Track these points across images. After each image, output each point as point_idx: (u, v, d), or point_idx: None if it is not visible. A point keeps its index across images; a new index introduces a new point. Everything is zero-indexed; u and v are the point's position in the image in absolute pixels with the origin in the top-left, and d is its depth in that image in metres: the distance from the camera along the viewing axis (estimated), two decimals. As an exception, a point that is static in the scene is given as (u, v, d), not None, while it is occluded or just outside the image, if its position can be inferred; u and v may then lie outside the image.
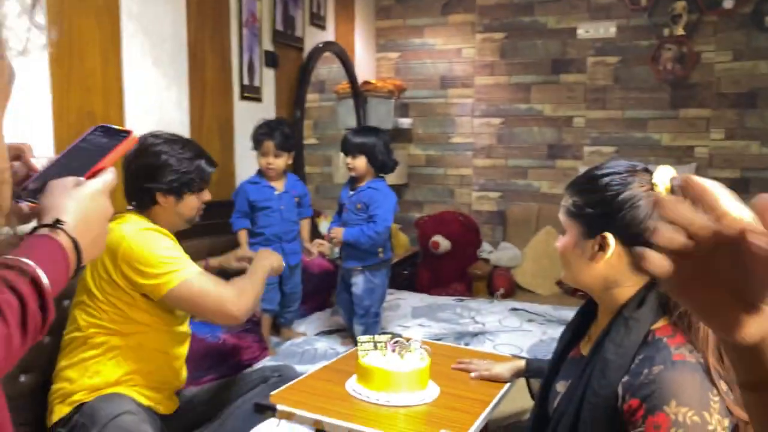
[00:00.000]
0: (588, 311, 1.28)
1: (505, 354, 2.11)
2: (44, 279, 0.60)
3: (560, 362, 1.29)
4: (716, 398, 0.96)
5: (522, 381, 1.74)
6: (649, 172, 1.11)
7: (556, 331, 2.80)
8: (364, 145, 2.68)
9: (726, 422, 0.94)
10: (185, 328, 1.84)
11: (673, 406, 0.95)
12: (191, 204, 1.83)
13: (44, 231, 0.68)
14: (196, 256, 2.06)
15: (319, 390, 1.56)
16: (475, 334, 2.77)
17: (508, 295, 3.92)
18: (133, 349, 1.69)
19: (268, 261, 1.90)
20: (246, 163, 3.20)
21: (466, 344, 2.60)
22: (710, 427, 0.93)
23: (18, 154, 0.77)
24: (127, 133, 0.80)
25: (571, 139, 4.26)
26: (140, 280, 1.61)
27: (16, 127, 2.07)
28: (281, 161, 2.70)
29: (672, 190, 1.05)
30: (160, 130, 1.87)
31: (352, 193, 2.72)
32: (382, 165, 2.71)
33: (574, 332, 1.30)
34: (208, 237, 2.81)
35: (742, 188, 3.70)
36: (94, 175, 0.75)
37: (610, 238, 1.10)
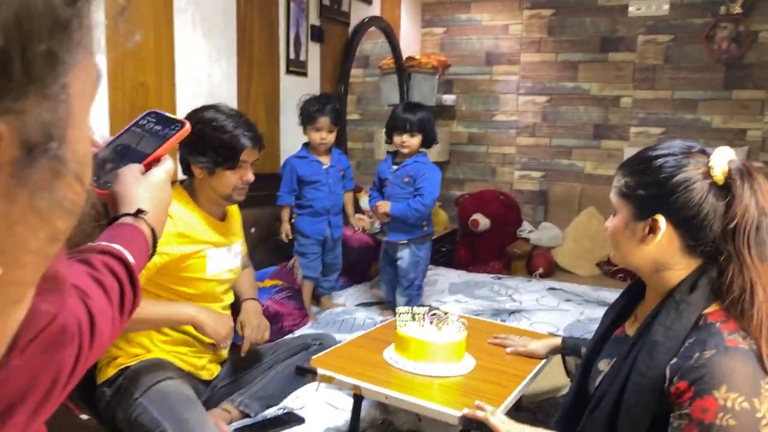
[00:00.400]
0: (635, 291, 1.28)
1: (542, 332, 2.12)
2: (133, 263, 0.65)
3: (603, 341, 1.31)
4: (766, 386, 0.96)
5: (558, 358, 1.76)
6: (706, 154, 1.09)
7: (594, 312, 2.79)
8: (423, 122, 2.68)
9: None
10: (219, 307, 1.86)
11: (723, 392, 0.95)
12: (226, 181, 1.77)
13: (128, 220, 0.71)
14: (243, 227, 2.13)
15: (358, 357, 1.61)
16: (512, 312, 2.79)
17: (547, 275, 3.91)
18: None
19: (211, 325, 1.67)
20: (290, 137, 3.25)
21: (503, 321, 2.62)
22: (759, 415, 0.93)
23: None
24: (182, 123, 0.80)
25: (618, 119, 4.19)
26: None
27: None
28: (333, 136, 2.75)
29: (729, 174, 1.05)
30: (217, 103, 1.82)
31: (395, 167, 2.73)
32: (431, 141, 2.74)
33: (620, 311, 1.31)
34: (254, 208, 2.89)
35: (795, 173, 3.58)
36: (150, 163, 0.77)
37: (662, 220, 1.09)
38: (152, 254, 0.73)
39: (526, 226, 4.31)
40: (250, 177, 1.82)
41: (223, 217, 1.91)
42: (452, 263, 4.19)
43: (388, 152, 2.82)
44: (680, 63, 3.96)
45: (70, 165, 0.32)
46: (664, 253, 1.11)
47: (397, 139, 2.69)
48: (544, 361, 1.69)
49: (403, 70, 4.26)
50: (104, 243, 0.65)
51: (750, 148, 3.81)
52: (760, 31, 3.75)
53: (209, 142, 1.71)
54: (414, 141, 2.67)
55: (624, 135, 4.18)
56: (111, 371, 1.73)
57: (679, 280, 1.10)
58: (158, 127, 0.80)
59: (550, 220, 4.32)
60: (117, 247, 0.65)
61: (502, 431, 1.24)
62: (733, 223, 1.04)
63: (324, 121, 2.71)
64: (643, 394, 1.05)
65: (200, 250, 1.77)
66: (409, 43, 4.49)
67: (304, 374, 1.52)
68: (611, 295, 3.07)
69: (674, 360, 1.03)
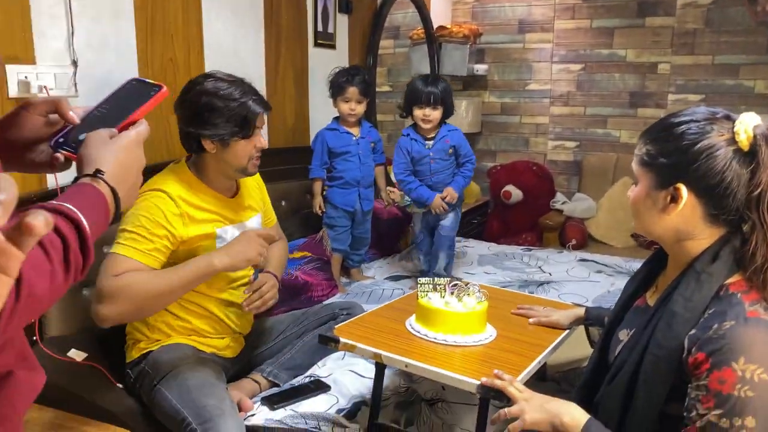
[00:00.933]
0: (657, 260, 1.27)
1: (570, 303, 2.11)
2: (85, 222, 0.64)
3: (624, 310, 1.30)
4: None
5: (582, 329, 1.75)
6: (731, 120, 1.06)
7: (624, 283, 2.75)
8: (445, 93, 2.66)
9: None
10: (228, 295, 1.83)
11: (741, 363, 0.94)
12: (240, 151, 1.69)
13: (86, 180, 0.71)
14: (273, 200, 2.15)
15: (380, 326, 1.64)
16: (541, 284, 2.78)
17: (580, 246, 3.87)
18: (191, 303, 1.76)
19: (234, 257, 1.59)
20: (319, 111, 3.27)
21: (531, 293, 2.61)
22: None
23: (53, 108, 0.80)
24: (159, 87, 0.81)
25: (655, 86, 4.07)
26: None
27: (108, 75, 2.22)
28: (362, 107, 2.76)
29: (755, 140, 1.02)
30: (212, 71, 1.74)
31: (430, 143, 2.71)
32: (451, 112, 2.72)
33: (642, 281, 1.29)
34: (284, 182, 2.93)
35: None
36: (126, 127, 0.78)
37: (684, 189, 1.06)
38: (116, 215, 0.73)
39: (559, 197, 4.25)
40: (264, 143, 1.75)
41: (234, 193, 1.84)
42: (483, 236, 4.17)
43: (409, 130, 2.75)
44: (721, 27, 3.81)
45: None
46: (686, 222, 1.09)
47: (418, 112, 2.65)
48: (566, 331, 1.68)
49: (433, 40, 4.21)
50: (54, 202, 0.65)
51: (795, 115, 3.66)
52: (809, -9, 3.58)
53: (220, 113, 1.62)
54: (437, 114, 2.65)
55: (661, 103, 4.06)
56: (134, 354, 1.78)
57: (701, 250, 1.09)
58: (137, 93, 0.81)
59: (584, 190, 4.26)
60: (66, 205, 0.64)
61: (519, 400, 1.25)
62: (758, 190, 1.02)
63: (353, 91, 2.71)
64: (661, 364, 1.05)
65: (209, 231, 1.72)
66: (440, 12, 4.43)
67: (327, 343, 1.55)
68: (644, 266, 3.03)
69: (693, 331, 1.02)
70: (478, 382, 1.34)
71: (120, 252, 1.57)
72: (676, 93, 4.01)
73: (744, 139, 1.02)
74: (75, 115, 0.80)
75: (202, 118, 1.63)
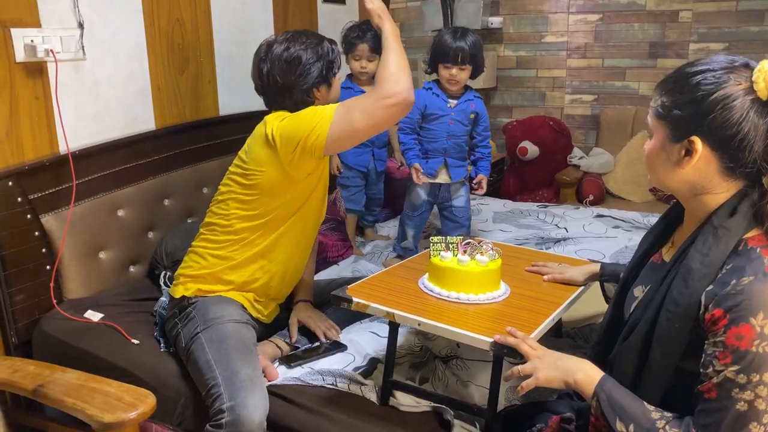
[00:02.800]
0: (674, 215, 1.24)
1: (586, 259, 2.09)
2: None
3: (639, 267, 1.28)
4: None
5: (597, 285, 1.74)
6: (750, 68, 1.02)
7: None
8: (476, 49, 2.42)
9: None
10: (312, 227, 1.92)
11: (760, 319, 0.93)
12: (338, 85, 1.88)
13: None
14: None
15: (393, 285, 1.64)
16: (557, 240, 2.75)
17: (597, 202, 3.82)
18: (260, 255, 1.80)
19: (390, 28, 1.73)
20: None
21: (547, 249, 2.59)
22: None
23: None
24: None
25: (676, 35, 3.93)
26: (303, 143, 1.62)
27: (115, 36, 2.19)
28: (374, 65, 2.68)
29: None
30: (269, 37, 1.86)
31: (454, 102, 2.51)
32: (480, 70, 2.50)
33: (658, 236, 1.27)
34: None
35: None
36: None
37: (698, 142, 1.03)
38: None
39: (576, 152, 4.18)
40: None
41: None
42: (499, 193, 4.14)
43: (432, 84, 2.53)
44: (747, -30, 3.65)
45: None
46: (701, 176, 1.06)
47: (444, 72, 2.43)
48: (581, 288, 1.67)
49: (446, -8, 4.09)
50: None
51: (822, 61, 3.53)
52: (841, -71, 3.40)
53: (316, 61, 1.78)
54: (464, 75, 2.44)
55: (682, 53, 3.94)
56: (185, 293, 1.80)
57: (719, 204, 1.06)
58: None
59: (602, 145, 4.18)
60: None
61: (532, 357, 1.25)
62: None
63: (363, 48, 2.65)
64: (676, 321, 1.04)
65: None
66: (453, -37, 4.29)
67: (340, 302, 1.55)
68: (662, 221, 2.98)
69: (710, 287, 1.00)
70: (492, 340, 1.33)
71: (333, 108, 1.64)
72: (698, 42, 3.88)
73: (763, 88, 0.98)
74: None
75: (307, 71, 1.76)
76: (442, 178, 2.59)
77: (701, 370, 0.99)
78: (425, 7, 4.20)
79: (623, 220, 3.00)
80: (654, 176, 1.15)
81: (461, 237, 1.63)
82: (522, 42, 4.40)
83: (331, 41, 1.86)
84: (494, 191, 4.11)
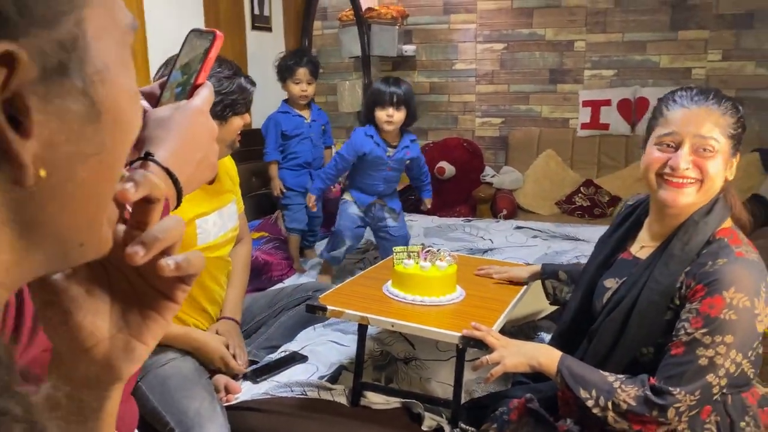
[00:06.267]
0: (632, 221, 1.46)
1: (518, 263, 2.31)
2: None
3: (605, 263, 1.47)
4: (765, 289, 1.16)
5: (533, 289, 1.94)
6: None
7: (559, 245, 3.01)
8: (408, 95, 2.55)
9: None
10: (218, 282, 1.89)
11: (732, 292, 1.15)
12: (235, 126, 1.77)
13: (136, 165, 0.62)
14: (243, 181, 2.18)
15: (361, 293, 1.76)
16: (485, 251, 2.98)
17: (510, 216, 4.11)
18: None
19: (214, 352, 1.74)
20: (257, 95, 3.30)
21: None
22: (756, 312, 1.14)
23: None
24: (213, 33, 0.67)
25: (572, 63, 4.36)
26: None
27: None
28: (312, 89, 2.81)
29: None
30: None
31: (393, 150, 2.61)
32: (415, 116, 2.63)
33: (621, 238, 1.47)
34: (245, 163, 2.97)
35: (736, 108, 3.83)
36: (193, 93, 0.67)
37: (738, 155, 1.30)
38: (179, 197, 0.65)
39: (488, 170, 4.49)
40: (249, 119, 1.85)
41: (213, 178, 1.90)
42: (420, 210, 4.35)
43: (373, 131, 2.59)
44: (629, 6, 4.13)
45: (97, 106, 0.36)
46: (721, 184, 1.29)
47: (381, 113, 2.52)
48: (525, 287, 1.87)
49: (362, 21, 4.30)
50: None
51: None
52: (703, -27, 3.94)
53: (217, 93, 1.63)
54: (400, 115, 2.54)
55: (578, 78, 4.36)
56: None
57: (699, 206, 1.29)
58: (195, 49, 0.69)
59: (511, 163, 4.51)
60: None
61: (498, 347, 1.41)
62: None
63: (303, 72, 2.77)
64: (656, 296, 1.25)
65: (189, 220, 1.71)
66: (367, -6, 4.51)
67: (315, 311, 1.65)
68: (573, 230, 3.30)
69: (689, 268, 1.22)
70: (460, 334, 1.49)
71: None
72: (592, 69, 4.32)
73: None
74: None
75: None
76: (378, 202, 2.70)
77: (673, 334, 1.20)
78: (342, 35, 4.38)
79: (540, 231, 3.29)
80: (715, 186, 1.27)
81: (421, 245, 1.79)
82: (434, 69, 4.68)
83: (248, 80, 1.79)
84: (415, 209, 4.32)
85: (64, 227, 0.38)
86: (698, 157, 1.24)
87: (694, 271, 1.22)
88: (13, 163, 0.33)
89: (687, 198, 1.26)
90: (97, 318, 0.44)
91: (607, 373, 1.25)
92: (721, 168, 1.25)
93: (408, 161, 2.68)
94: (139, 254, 0.42)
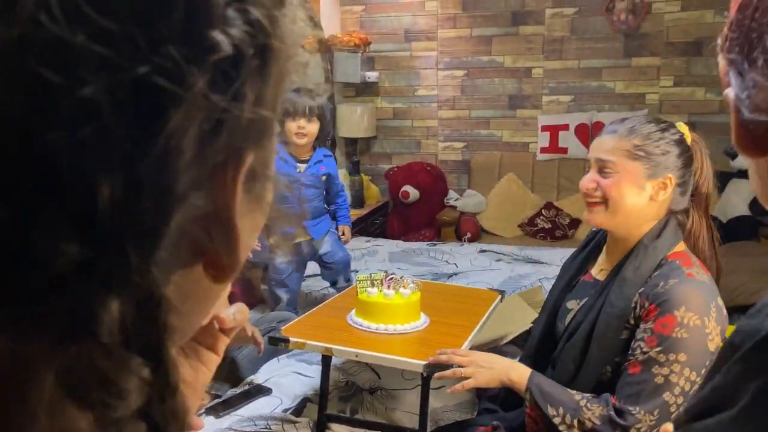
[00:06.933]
0: (593, 245, 1.50)
1: (481, 288, 2.32)
2: None
3: (568, 286, 1.50)
4: (715, 309, 1.20)
5: (497, 313, 1.96)
6: (674, 126, 1.33)
7: (522, 269, 3.05)
8: (323, 108, 2.43)
9: (719, 329, 1.19)
10: None
11: (682, 311, 1.18)
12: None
13: None
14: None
15: (324, 324, 1.75)
16: (450, 275, 2.99)
17: (474, 239, 4.15)
18: None
19: None
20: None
21: (444, 282, 2.81)
22: (707, 331, 1.18)
23: None
24: None
25: (531, 89, 4.46)
26: None
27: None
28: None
29: (692, 141, 1.31)
30: None
31: (303, 166, 2.45)
32: (329, 132, 2.52)
33: (582, 262, 1.50)
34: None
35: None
36: None
37: (673, 179, 1.30)
38: None
39: (452, 194, 4.53)
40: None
41: None
42: (386, 234, 4.36)
43: (279, 147, 2.49)
44: (584, 34, 4.26)
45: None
46: (661, 207, 1.32)
47: (291, 125, 2.34)
48: (489, 311, 1.88)
49: (325, 48, 4.33)
50: None
51: (649, 111, 4.17)
52: (654, 2, 4.10)
53: None
54: (313, 128, 2.38)
55: (537, 104, 4.46)
56: None
57: (648, 230, 1.32)
58: None
59: (474, 187, 4.56)
60: None
61: (467, 364, 1.40)
62: (696, 180, 1.31)
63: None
64: (613, 321, 1.28)
65: None
66: (329, 21, 4.56)
67: (277, 343, 1.63)
68: (535, 252, 3.34)
69: (642, 289, 1.26)
70: (424, 363, 1.49)
71: None
72: (549, 95, 4.42)
73: (688, 141, 1.31)
74: None
75: None
76: (301, 236, 2.52)
77: (629, 353, 1.22)
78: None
79: (504, 254, 3.32)
80: (620, 207, 1.30)
81: (384, 273, 1.79)
82: (397, 95, 4.73)
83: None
84: (381, 233, 4.33)
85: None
86: (601, 177, 1.32)
87: (648, 291, 1.25)
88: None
89: (596, 216, 1.33)
90: None
91: (574, 392, 1.28)
92: (626, 189, 1.29)
93: (324, 177, 2.52)
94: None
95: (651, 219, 1.33)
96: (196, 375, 0.48)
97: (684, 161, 1.30)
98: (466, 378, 1.36)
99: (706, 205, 1.35)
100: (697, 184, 1.32)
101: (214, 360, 0.49)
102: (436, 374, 1.44)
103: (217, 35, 0.24)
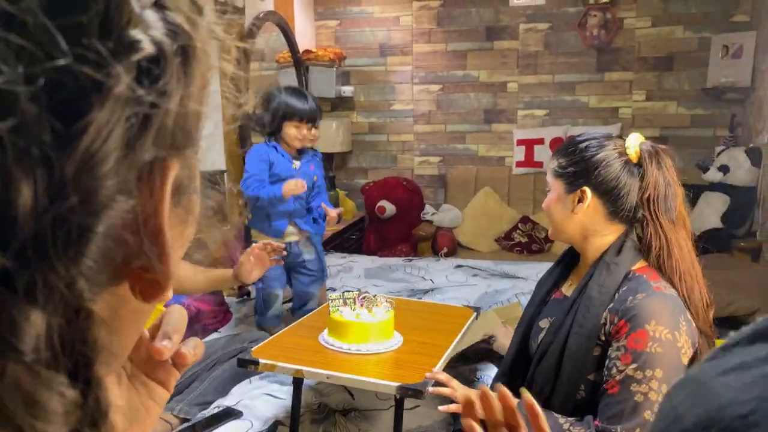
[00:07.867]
0: (568, 260, 1.48)
1: (457, 305, 2.29)
2: None
3: (542, 303, 1.48)
4: (684, 323, 1.19)
5: (472, 330, 1.93)
6: (623, 139, 1.32)
7: (499, 284, 3.03)
8: (320, 112, 2.52)
9: (690, 342, 1.18)
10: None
11: (653, 325, 1.17)
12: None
13: None
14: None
15: (295, 344, 1.70)
16: (426, 291, 2.96)
17: (451, 253, 4.13)
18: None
19: None
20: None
21: (419, 299, 2.78)
22: (679, 344, 1.16)
23: None
24: None
25: (506, 103, 4.47)
26: None
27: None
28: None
29: (641, 154, 1.27)
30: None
31: (298, 163, 2.50)
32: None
33: (556, 277, 1.48)
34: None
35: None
36: None
37: (588, 191, 1.30)
38: None
39: (428, 209, 4.51)
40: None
41: None
42: (362, 249, 4.32)
43: (274, 143, 2.44)
44: (558, 49, 4.29)
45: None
46: (591, 220, 1.32)
47: (294, 131, 2.39)
48: (464, 329, 1.85)
49: (300, 63, 4.30)
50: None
51: (622, 125, 4.21)
52: (625, 18, 4.15)
53: None
54: (316, 134, 2.49)
55: (512, 118, 4.48)
56: None
57: (608, 245, 1.31)
58: None
59: (450, 201, 4.56)
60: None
61: (455, 385, 1.37)
62: (647, 193, 1.27)
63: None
64: (583, 341, 1.25)
65: None
66: (304, 36, 4.54)
67: (247, 366, 1.58)
68: (511, 267, 3.33)
69: (611, 305, 1.24)
70: (398, 384, 1.45)
71: None
72: (524, 109, 4.44)
73: (633, 153, 1.29)
74: None
75: None
76: (291, 237, 2.55)
77: (605, 372, 1.20)
78: (281, 77, 4.37)
79: (480, 269, 3.30)
80: (553, 223, 1.40)
81: (357, 291, 1.75)
82: (372, 109, 4.72)
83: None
84: (357, 248, 4.29)
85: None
86: None
87: (617, 307, 1.24)
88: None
89: (550, 231, 1.43)
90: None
91: (558, 415, 1.25)
92: (553, 205, 1.36)
93: (315, 177, 2.56)
94: (168, 348, 0.42)
95: (595, 234, 1.32)
96: (147, 414, 0.45)
97: (616, 173, 1.28)
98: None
99: (670, 218, 1.28)
100: (649, 196, 1.27)
101: (164, 397, 0.46)
102: (432, 389, 1.41)
103: (138, 34, 0.23)
